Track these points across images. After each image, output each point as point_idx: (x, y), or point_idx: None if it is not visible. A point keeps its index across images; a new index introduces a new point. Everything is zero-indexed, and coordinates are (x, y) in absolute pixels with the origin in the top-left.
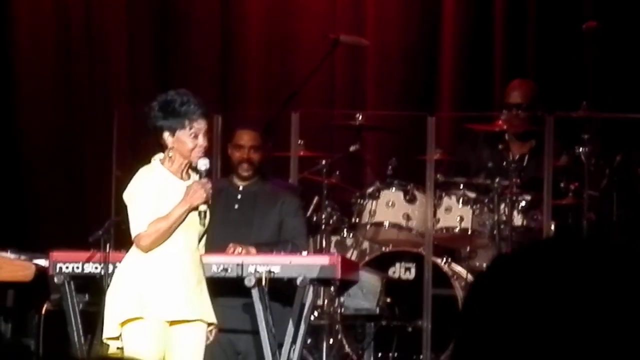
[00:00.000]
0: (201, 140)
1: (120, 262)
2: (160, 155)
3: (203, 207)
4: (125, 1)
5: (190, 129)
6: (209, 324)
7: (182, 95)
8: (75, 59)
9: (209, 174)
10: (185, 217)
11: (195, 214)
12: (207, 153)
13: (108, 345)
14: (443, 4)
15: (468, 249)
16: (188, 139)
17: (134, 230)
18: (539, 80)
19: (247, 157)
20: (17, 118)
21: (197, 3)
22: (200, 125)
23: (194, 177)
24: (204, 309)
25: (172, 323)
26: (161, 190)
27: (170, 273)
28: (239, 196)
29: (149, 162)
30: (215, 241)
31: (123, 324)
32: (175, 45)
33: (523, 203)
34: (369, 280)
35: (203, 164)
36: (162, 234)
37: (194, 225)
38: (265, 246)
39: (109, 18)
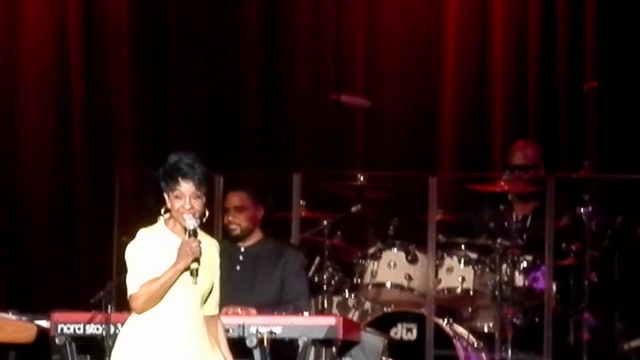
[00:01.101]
0: (186, 202)
1: (122, 322)
2: (167, 215)
3: (194, 265)
4: (128, 61)
5: (174, 190)
6: None
7: (178, 156)
8: (76, 119)
9: (194, 233)
10: (176, 278)
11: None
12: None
13: None
14: (443, 65)
15: (470, 309)
16: (174, 200)
17: (128, 291)
18: (541, 140)
19: (230, 219)
20: (18, 178)
21: (194, 58)
22: (184, 187)
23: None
24: None
25: None
26: (161, 251)
27: (168, 334)
28: (241, 257)
29: (155, 221)
30: None
31: None
32: (174, 103)
33: (524, 264)
34: (370, 341)
35: (189, 222)
36: (152, 295)
37: (192, 286)
38: (267, 307)
39: (111, 77)
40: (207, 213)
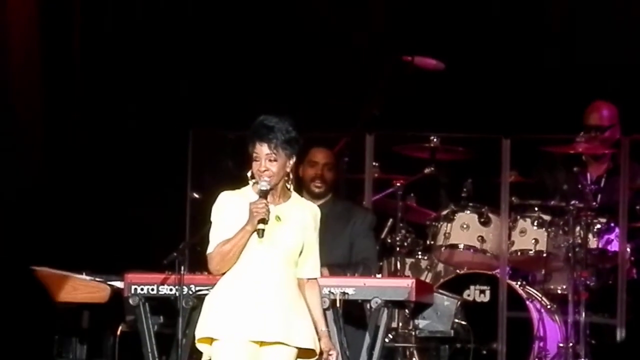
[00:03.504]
0: (261, 164)
1: (195, 284)
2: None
3: (260, 226)
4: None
5: (252, 152)
6: (308, 351)
7: (263, 118)
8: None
9: (264, 194)
10: (247, 239)
11: (276, 234)
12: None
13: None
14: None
15: (543, 271)
16: (253, 162)
17: (207, 251)
18: (619, 101)
19: (320, 174)
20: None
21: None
22: (258, 149)
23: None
24: (291, 332)
25: (262, 344)
26: (243, 212)
27: (247, 293)
28: None
29: (239, 185)
30: None
31: (201, 340)
32: (254, 66)
33: (598, 226)
34: (443, 302)
35: (262, 184)
36: (225, 257)
37: (270, 246)
38: (337, 267)
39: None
40: (289, 177)
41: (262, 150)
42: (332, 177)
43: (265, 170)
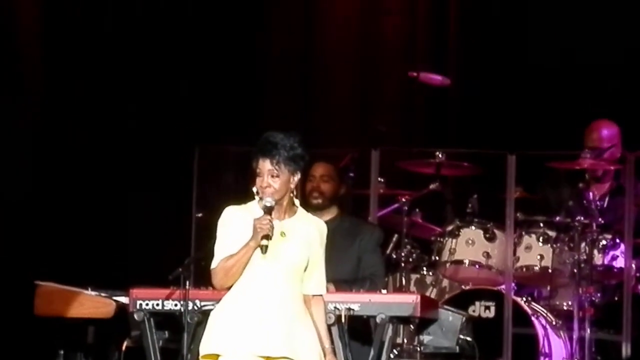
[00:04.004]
0: (263, 180)
1: (199, 299)
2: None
3: (263, 242)
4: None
5: (255, 167)
6: None
7: (268, 134)
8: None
9: (268, 210)
10: (250, 255)
11: (280, 249)
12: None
13: None
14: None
15: (548, 287)
16: (256, 177)
17: (211, 266)
18: (620, 117)
19: (316, 186)
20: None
21: (282, 41)
22: (261, 164)
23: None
24: (296, 346)
25: (268, 359)
26: (247, 228)
27: (251, 309)
28: None
29: (241, 200)
30: None
31: (206, 357)
32: (260, 82)
33: (604, 242)
34: (448, 318)
35: (266, 200)
36: (228, 272)
37: (274, 261)
38: (344, 283)
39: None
40: (294, 193)
41: (265, 166)
42: (329, 189)
43: (267, 187)
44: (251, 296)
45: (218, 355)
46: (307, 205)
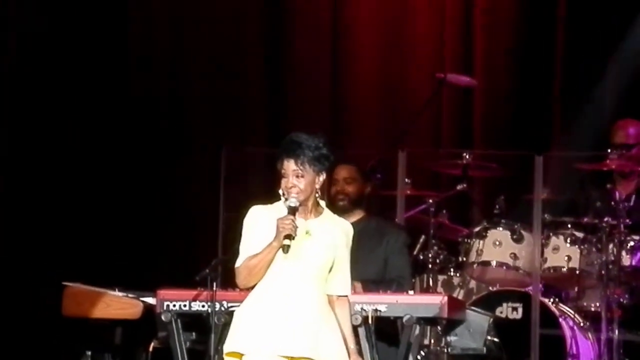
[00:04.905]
0: (288, 180)
1: (227, 300)
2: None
3: (286, 242)
4: (235, 38)
5: (280, 168)
6: None
7: (293, 135)
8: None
9: (292, 211)
10: (273, 254)
11: (305, 248)
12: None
13: None
14: (555, 46)
15: (576, 289)
16: (281, 179)
17: (235, 265)
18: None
19: (340, 189)
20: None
21: (309, 43)
22: (286, 165)
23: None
24: (320, 347)
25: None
26: (272, 228)
27: (273, 308)
28: None
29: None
30: None
31: (230, 354)
32: (287, 83)
33: (632, 243)
34: (476, 319)
35: (290, 200)
36: (251, 271)
37: (297, 261)
38: (371, 283)
39: (221, 56)
40: (319, 193)
41: (289, 166)
42: (353, 190)
43: (292, 187)
44: (275, 295)
45: (242, 354)
46: (335, 208)
